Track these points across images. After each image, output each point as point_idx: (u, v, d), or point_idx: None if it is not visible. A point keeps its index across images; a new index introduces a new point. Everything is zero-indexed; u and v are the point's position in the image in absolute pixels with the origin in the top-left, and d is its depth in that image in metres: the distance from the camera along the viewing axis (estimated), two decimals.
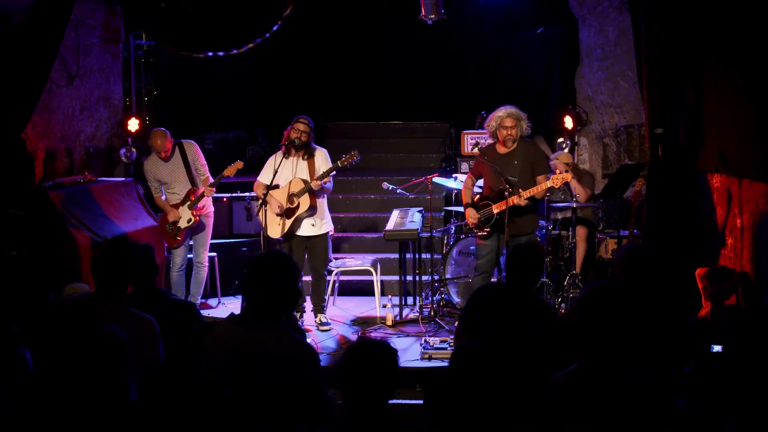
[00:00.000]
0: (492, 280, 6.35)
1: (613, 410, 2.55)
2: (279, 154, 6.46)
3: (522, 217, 6.08)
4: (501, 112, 6.12)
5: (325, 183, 6.35)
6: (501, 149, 6.19)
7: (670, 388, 2.74)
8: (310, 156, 6.41)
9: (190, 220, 6.68)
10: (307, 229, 6.44)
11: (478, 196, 6.38)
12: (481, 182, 6.48)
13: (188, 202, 6.68)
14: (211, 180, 6.76)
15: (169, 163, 6.73)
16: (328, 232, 6.59)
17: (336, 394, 3.08)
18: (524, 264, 4.21)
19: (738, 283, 5.26)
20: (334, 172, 6.38)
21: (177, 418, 2.37)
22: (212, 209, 6.96)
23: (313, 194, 6.34)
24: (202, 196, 6.69)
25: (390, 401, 2.66)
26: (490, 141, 6.50)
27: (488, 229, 6.13)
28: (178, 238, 6.72)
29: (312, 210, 6.35)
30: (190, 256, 6.94)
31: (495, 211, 6.08)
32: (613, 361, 2.60)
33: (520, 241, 5.95)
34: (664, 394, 2.60)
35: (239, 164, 6.63)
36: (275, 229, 6.37)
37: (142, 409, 2.65)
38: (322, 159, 6.44)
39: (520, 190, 6.00)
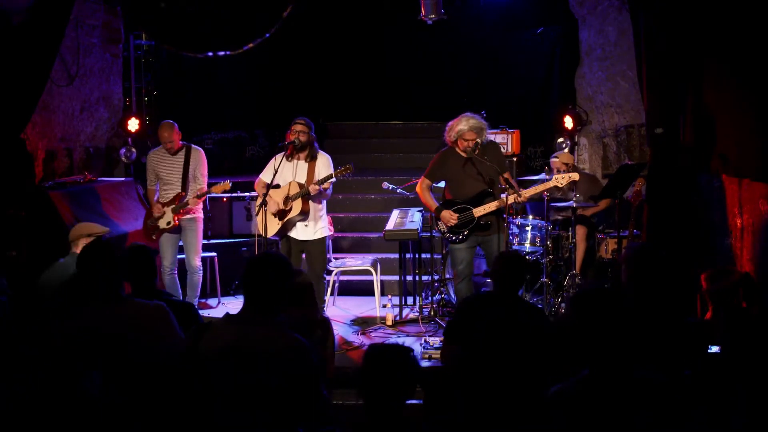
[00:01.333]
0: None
1: (628, 414, 2.54)
2: (280, 155, 6.45)
3: (497, 220, 6.05)
4: (462, 125, 5.99)
5: (324, 189, 6.32)
6: (464, 154, 6.09)
7: (682, 388, 2.74)
8: (312, 159, 6.39)
9: (169, 223, 6.57)
10: (302, 233, 6.41)
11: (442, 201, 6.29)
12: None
13: (173, 206, 6.63)
14: (204, 190, 6.73)
15: (170, 160, 6.68)
16: (325, 237, 6.56)
17: (332, 394, 3.10)
18: (513, 273, 4.31)
19: (739, 283, 5.25)
20: (334, 180, 6.36)
21: (176, 417, 2.38)
22: (201, 214, 6.85)
23: (307, 199, 6.31)
24: (185, 204, 6.59)
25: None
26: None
27: (466, 232, 6.07)
28: (153, 238, 6.65)
29: (304, 215, 6.32)
30: (180, 256, 6.89)
31: (477, 214, 6.00)
32: (625, 365, 2.60)
33: (491, 240, 6.00)
34: (679, 394, 2.60)
35: (227, 185, 6.56)
36: (273, 228, 6.37)
37: (139, 407, 2.66)
38: (323, 164, 6.40)
39: (521, 189, 5.99)
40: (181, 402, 2.94)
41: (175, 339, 3.42)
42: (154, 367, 3.26)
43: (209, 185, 6.67)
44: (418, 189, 6.35)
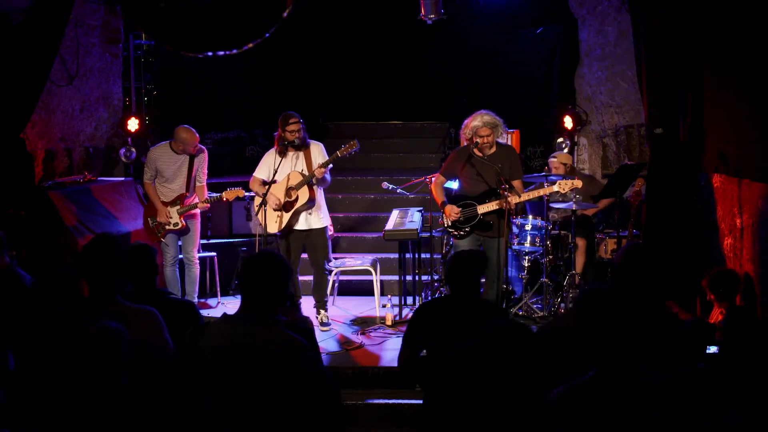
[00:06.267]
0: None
1: (636, 415, 2.53)
2: (273, 153, 6.46)
3: (499, 221, 6.06)
4: (476, 121, 6.02)
5: (325, 173, 6.35)
6: (479, 153, 6.14)
7: (684, 387, 2.73)
8: (305, 148, 6.43)
9: (177, 224, 6.63)
10: (305, 222, 6.43)
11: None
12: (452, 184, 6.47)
13: (177, 206, 6.65)
14: (207, 193, 6.79)
15: (175, 159, 6.67)
16: (326, 227, 6.59)
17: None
18: (469, 271, 3.94)
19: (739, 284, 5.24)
20: (331, 165, 6.38)
21: (173, 415, 2.38)
22: (198, 211, 6.90)
23: (312, 186, 6.33)
24: (194, 206, 6.66)
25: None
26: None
27: (468, 229, 6.09)
28: (159, 236, 6.65)
29: (311, 202, 6.35)
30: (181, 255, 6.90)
31: (480, 211, 6.03)
32: (631, 365, 2.59)
33: (492, 243, 5.97)
34: (684, 393, 2.59)
35: (240, 192, 6.72)
36: (273, 225, 6.37)
37: (141, 405, 2.66)
38: (318, 151, 6.46)
39: (520, 191, 6.01)
40: (177, 403, 2.93)
41: (164, 345, 3.37)
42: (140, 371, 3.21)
43: (215, 186, 6.69)
44: (431, 184, 6.43)
